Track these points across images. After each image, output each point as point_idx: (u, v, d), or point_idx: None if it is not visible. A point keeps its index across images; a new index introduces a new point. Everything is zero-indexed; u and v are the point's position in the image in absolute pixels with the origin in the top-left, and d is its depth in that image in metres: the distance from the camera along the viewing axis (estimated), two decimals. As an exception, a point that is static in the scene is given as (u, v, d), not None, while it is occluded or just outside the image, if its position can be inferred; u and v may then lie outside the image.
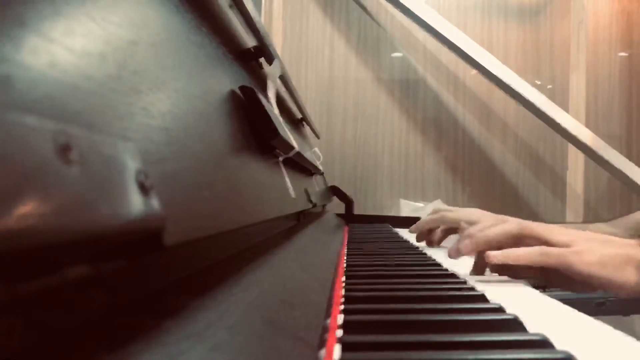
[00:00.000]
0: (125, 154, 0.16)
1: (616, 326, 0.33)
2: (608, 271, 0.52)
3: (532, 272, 0.56)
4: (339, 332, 0.28)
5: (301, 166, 0.77)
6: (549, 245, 0.54)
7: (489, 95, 2.04)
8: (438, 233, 0.88)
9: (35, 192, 0.11)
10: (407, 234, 0.99)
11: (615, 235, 0.58)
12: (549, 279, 0.56)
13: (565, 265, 0.52)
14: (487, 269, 0.59)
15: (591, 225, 0.90)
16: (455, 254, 0.59)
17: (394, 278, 0.48)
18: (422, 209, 1.82)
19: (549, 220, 1.96)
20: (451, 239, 0.80)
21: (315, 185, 1.03)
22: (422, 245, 0.86)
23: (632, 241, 0.55)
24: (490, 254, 0.54)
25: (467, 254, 0.59)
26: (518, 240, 0.57)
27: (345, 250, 0.69)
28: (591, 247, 0.53)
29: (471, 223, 0.69)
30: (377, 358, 0.25)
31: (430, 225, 0.88)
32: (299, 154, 0.61)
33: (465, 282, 0.45)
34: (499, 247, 0.56)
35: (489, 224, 0.59)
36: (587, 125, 1.95)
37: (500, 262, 0.54)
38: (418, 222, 0.90)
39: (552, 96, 1.93)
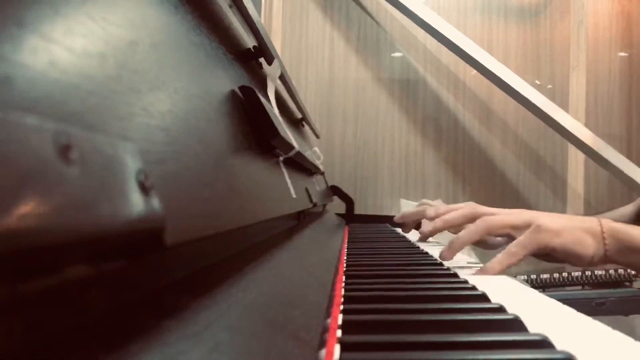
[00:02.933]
0: (126, 154, 0.16)
1: (616, 326, 0.33)
2: (572, 244, 0.57)
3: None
4: (339, 332, 0.28)
5: (301, 166, 0.77)
6: (514, 228, 0.59)
7: (489, 95, 2.04)
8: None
9: (35, 192, 0.11)
10: (408, 234, 0.99)
11: None
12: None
13: (536, 245, 0.57)
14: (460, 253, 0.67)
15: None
16: (423, 234, 0.68)
17: (395, 278, 0.48)
18: (422, 209, 1.82)
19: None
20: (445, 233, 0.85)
21: (316, 185, 1.03)
22: (422, 244, 0.86)
23: (591, 218, 0.61)
24: (487, 267, 0.59)
25: (430, 235, 0.68)
26: (473, 221, 0.63)
27: (346, 250, 0.69)
28: (552, 220, 0.58)
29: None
30: (378, 358, 0.25)
31: (414, 218, 0.98)
32: (299, 153, 0.61)
33: (466, 282, 0.45)
34: (458, 229, 0.65)
35: (444, 209, 0.68)
36: (587, 125, 1.95)
37: (498, 273, 0.59)
38: (403, 214, 1.00)
39: (552, 96, 1.94)
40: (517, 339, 0.27)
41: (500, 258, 0.58)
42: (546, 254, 0.60)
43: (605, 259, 0.59)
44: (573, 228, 0.58)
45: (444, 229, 0.63)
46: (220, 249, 0.32)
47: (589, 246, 0.58)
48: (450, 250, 0.62)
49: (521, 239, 0.58)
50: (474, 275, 0.58)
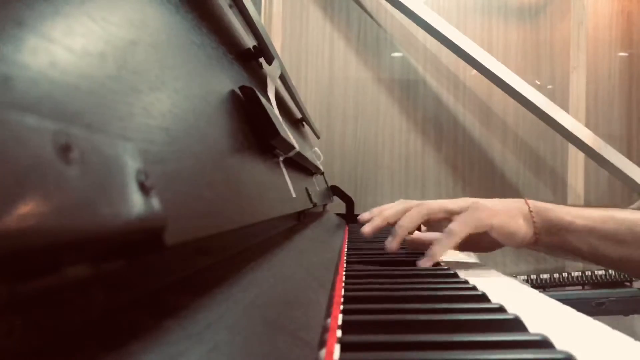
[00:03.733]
0: (126, 154, 0.16)
1: (616, 326, 0.33)
2: (507, 221, 0.59)
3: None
4: (339, 332, 0.28)
5: (301, 166, 0.77)
6: (453, 214, 0.61)
7: (489, 95, 2.04)
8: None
9: (35, 192, 0.11)
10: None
11: None
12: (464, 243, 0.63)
13: (473, 226, 0.59)
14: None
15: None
16: (364, 234, 0.67)
17: (395, 277, 0.48)
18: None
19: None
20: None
21: (316, 185, 1.03)
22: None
23: (520, 200, 0.63)
24: (420, 263, 0.60)
25: (369, 234, 0.66)
26: (426, 219, 0.64)
27: (346, 250, 0.69)
28: (487, 202, 0.61)
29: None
30: (378, 358, 0.25)
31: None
32: (299, 153, 0.61)
33: (466, 282, 0.45)
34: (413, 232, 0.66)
35: (388, 206, 0.67)
36: (587, 125, 1.95)
37: (431, 263, 0.60)
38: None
39: (552, 96, 1.93)
40: (517, 339, 0.27)
41: (441, 240, 0.59)
42: (481, 236, 0.61)
43: (535, 240, 0.61)
44: (507, 207, 0.61)
45: (383, 225, 0.64)
46: (220, 249, 0.32)
47: (521, 225, 0.60)
48: (395, 238, 0.62)
49: (460, 217, 0.60)
50: (419, 261, 0.59)
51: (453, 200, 0.63)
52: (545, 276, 1.37)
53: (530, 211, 0.61)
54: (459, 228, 0.59)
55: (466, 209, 0.60)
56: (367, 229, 0.64)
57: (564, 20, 2.06)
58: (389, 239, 0.63)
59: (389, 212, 0.65)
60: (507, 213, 0.60)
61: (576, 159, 2.01)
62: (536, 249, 0.64)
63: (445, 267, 0.54)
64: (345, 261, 0.58)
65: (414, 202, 0.65)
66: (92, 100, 0.17)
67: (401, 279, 0.47)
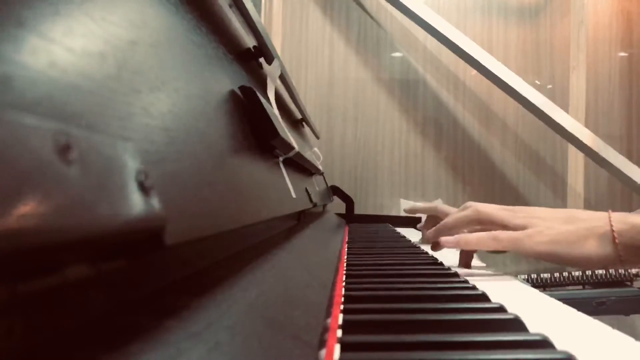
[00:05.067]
0: (125, 153, 0.16)
1: (616, 326, 0.33)
2: (561, 247, 0.55)
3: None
4: (339, 332, 0.28)
5: (301, 166, 0.77)
6: (507, 228, 0.58)
7: (489, 95, 2.04)
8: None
9: (35, 192, 0.11)
10: (408, 233, 0.98)
11: None
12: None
13: (515, 247, 0.56)
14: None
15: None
16: (424, 242, 0.66)
17: (395, 277, 0.48)
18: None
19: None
20: None
21: (316, 185, 1.03)
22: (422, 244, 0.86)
23: (602, 214, 0.57)
24: (442, 239, 0.60)
25: (430, 241, 0.65)
26: (480, 224, 0.62)
27: (346, 250, 0.69)
28: (549, 226, 0.56)
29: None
30: (378, 358, 0.25)
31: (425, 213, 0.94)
32: (299, 154, 0.61)
33: (466, 282, 0.45)
34: (462, 232, 0.62)
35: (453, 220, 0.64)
36: (587, 125, 1.95)
37: (453, 247, 0.59)
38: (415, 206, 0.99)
39: (552, 96, 1.93)
40: (517, 338, 0.27)
41: (482, 237, 0.57)
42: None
43: (621, 262, 0.54)
44: (575, 230, 0.55)
45: (446, 235, 0.62)
46: (220, 249, 0.32)
47: (589, 250, 0.54)
48: (449, 242, 0.60)
49: (515, 236, 0.56)
50: (443, 237, 0.60)
51: (513, 214, 0.59)
52: (546, 275, 1.37)
53: (613, 231, 0.54)
54: (506, 244, 0.56)
55: (522, 228, 0.57)
56: (428, 237, 0.64)
57: (564, 20, 2.06)
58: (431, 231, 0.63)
59: (452, 221, 0.63)
60: (566, 239, 0.54)
61: (576, 159, 2.01)
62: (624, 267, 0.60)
63: (446, 267, 0.54)
64: (345, 261, 0.58)
65: (475, 205, 0.62)
66: (92, 100, 0.17)
67: (401, 279, 0.47)
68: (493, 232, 0.58)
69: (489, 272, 0.59)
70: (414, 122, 2.04)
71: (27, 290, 0.13)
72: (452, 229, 0.63)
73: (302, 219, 0.77)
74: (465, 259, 0.64)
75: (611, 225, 0.54)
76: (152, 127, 0.21)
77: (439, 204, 0.92)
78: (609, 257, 0.54)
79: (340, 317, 0.31)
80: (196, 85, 0.30)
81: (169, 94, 0.25)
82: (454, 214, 0.64)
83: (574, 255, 0.54)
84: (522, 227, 0.57)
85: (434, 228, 0.65)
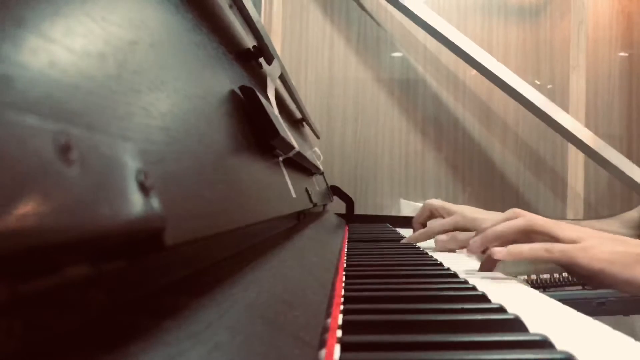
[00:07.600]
0: (125, 154, 0.16)
1: (616, 326, 0.33)
2: (616, 268, 0.52)
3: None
4: (339, 332, 0.28)
5: (301, 166, 0.77)
6: (557, 241, 0.55)
7: (489, 95, 2.04)
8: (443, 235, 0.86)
9: (35, 192, 0.11)
10: (408, 234, 0.98)
11: (610, 232, 0.59)
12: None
13: (569, 260, 0.53)
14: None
15: (583, 222, 0.89)
16: (468, 251, 0.61)
17: (395, 278, 0.48)
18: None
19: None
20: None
21: (316, 185, 1.03)
22: (422, 244, 0.86)
23: None
24: (495, 250, 0.56)
25: (478, 250, 0.61)
26: (526, 235, 0.58)
27: (346, 250, 0.69)
28: (602, 243, 0.54)
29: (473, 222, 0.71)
30: (378, 358, 0.25)
31: (444, 229, 0.84)
32: (299, 153, 0.61)
33: (466, 282, 0.45)
34: (508, 242, 0.58)
35: (499, 219, 0.61)
36: (587, 125, 1.95)
37: (504, 259, 0.56)
38: (427, 230, 0.86)
39: (552, 96, 1.93)
40: (518, 339, 0.27)
41: (535, 247, 0.54)
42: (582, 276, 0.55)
43: None
44: (625, 252, 0.53)
45: (494, 245, 0.58)
46: (220, 249, 0.32)
47: (637, 275, 0.52)
48: (502, 253, 0.56)
49: (567, 249, 0.54)
50: (495, 249, 0.56)
51: (566, 227, 0.57)
52: (546, 276, 1.36)
53: None
54: (558, 256, 0.54)
55: (574, 241, 0.55)
56: (475, 246, 0.60)
57: (564, 20, 2.06)
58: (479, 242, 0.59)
59: (502, 230, 0.59)
60: (621, 260, 0.52)
61: (576, 159, 2.01)
62: None
63: (446, 267, 0.54)
64: (345, 261, 0.58)
65: (527, 215, 0.59)
66: (92, 100, 0.17)
67: (401, 279, 0.47)
68: (545, 244, 0.55)
69: (488, 272, 0.59)
70: (414, 122, 2.04)
71: (27, 290, 0.13)
72: (500, 238, 0.59)
73: (302, 218, 0.77)
74: (489, 264, 0.61)
75: None
76: (152, 127, 0.21)
77: (438, 203, 0.90)
78: None
79: (340, 317, 0.31)
80: (196, 85, 0.30)
81: (169, 94, 0.25)
82: (498, 221, 0.60)
83: (626, 277, 0.52)
84: (572, 240, 0.55)
85: (477, 237, 0.61)
